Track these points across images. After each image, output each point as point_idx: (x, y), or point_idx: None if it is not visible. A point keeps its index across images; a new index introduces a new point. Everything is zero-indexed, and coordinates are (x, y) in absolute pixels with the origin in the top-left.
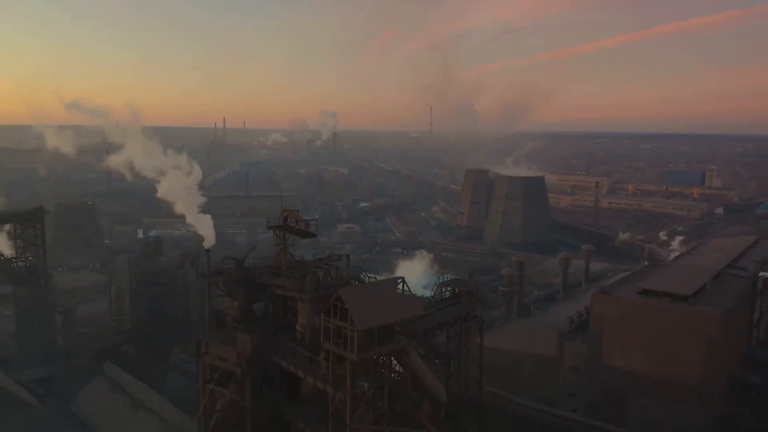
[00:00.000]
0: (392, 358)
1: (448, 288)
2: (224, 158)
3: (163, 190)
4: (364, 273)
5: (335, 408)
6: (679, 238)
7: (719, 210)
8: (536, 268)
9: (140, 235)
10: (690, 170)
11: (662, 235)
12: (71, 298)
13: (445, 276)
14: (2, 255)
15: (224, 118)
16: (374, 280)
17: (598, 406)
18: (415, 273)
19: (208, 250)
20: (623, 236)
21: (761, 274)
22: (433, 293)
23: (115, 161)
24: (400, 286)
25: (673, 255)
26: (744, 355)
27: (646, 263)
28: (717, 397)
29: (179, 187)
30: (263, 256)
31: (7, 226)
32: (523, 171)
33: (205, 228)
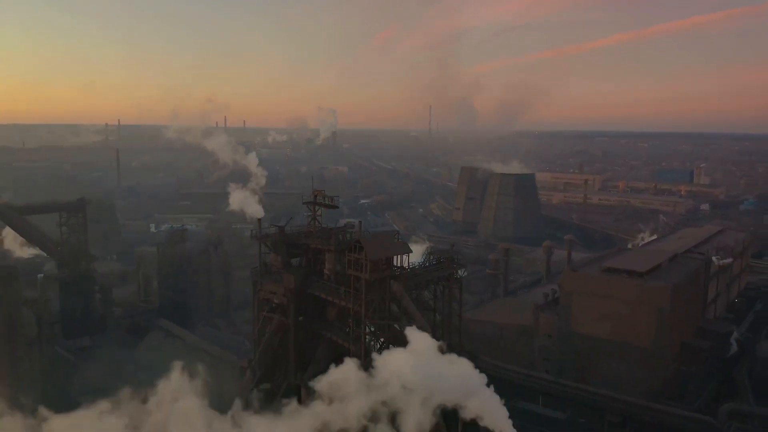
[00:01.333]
0: (391, 304)
1: (434, 256)
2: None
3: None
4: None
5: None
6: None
7: (705, 206)
8: (525, 258)
9: (152, 229)
10: (684, 169)
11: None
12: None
13: (432, 247)
14: (51, 240)
15: (225, 117)
16: None
17: (568, 367)
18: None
19: (259, 220)
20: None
21: (713, 257)
22: (422, 260)
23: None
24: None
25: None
26: (698, 326)
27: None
28: (669, 359)
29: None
30: (298, 225)
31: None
32: (515, 168)
33: (252, 207)
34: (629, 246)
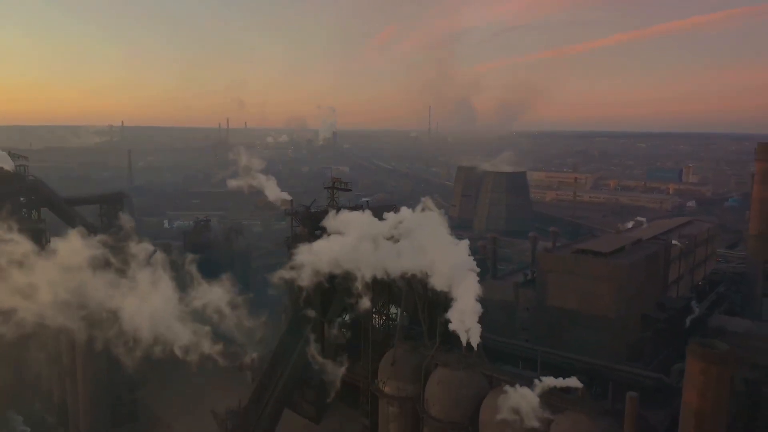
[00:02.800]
0: None
1: None
2: (229, 157)
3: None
4: None
5: None
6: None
7: (691, 203)
8: (515, 249)
9: (166, 225)
10: (677, 168)
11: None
12: None
13: None
14: (94, 228)
15: (228, 118)
16: None
17: (543, 336)
18: None
19: (291, 200)
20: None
21: (673, 241)
22: None
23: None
24: None
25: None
26: (658, 302)
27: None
28: (629, 329)
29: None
30: (320, 205)
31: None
32: (508, 167)
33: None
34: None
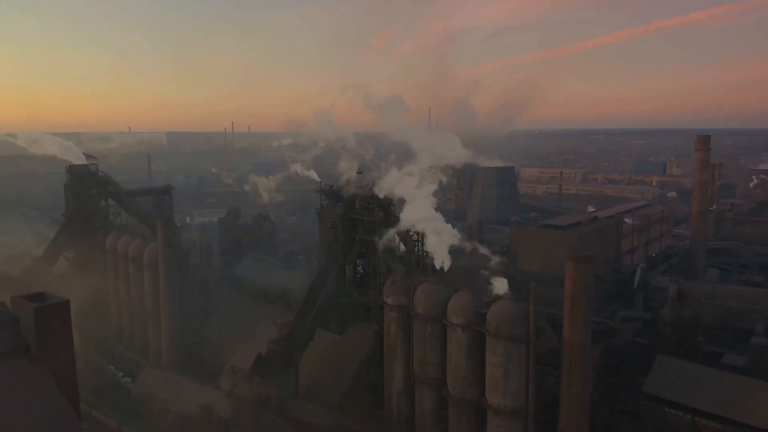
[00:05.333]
0: None
1: None
2: (236, 160)
3: None
4: None
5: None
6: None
7: (672, 194)
8: (503, 234)
9: (188, 220)
10: (659, 162)
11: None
12: None
13: None
14: (150, 216)
15: (233, 123)
16: None
17: (515, 293)
18: None
19: (320, 182)
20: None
21: (625, 219)
22: None
23: None
24: None
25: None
26: (612, 267)
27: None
28: None
29: None
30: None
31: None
32: (499, 163)
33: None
34: None
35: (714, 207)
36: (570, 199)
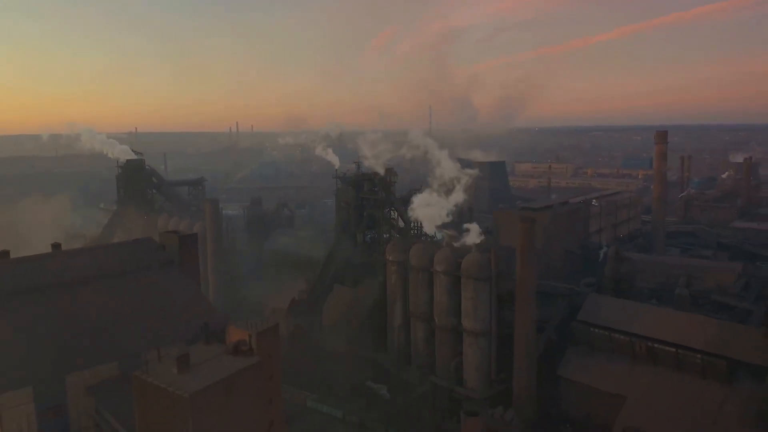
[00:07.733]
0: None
1: None
2: (242, 159)
3: None
4: None
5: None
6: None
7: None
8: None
9: None
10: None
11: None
12: None
13: None
14: (194, 204)
15: (237, 123)
16: None
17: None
18: None
19: (336, 169)
20: None
21: (593, 202)
22: None
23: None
24: None
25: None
26: (581, 244)
27: None
28: (552, 258)
29: None
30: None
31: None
32: (492, 158)
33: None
34: None
35: (683, 194)
36: (559, 191)
